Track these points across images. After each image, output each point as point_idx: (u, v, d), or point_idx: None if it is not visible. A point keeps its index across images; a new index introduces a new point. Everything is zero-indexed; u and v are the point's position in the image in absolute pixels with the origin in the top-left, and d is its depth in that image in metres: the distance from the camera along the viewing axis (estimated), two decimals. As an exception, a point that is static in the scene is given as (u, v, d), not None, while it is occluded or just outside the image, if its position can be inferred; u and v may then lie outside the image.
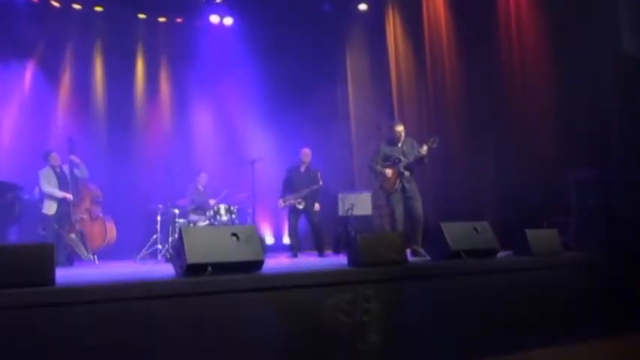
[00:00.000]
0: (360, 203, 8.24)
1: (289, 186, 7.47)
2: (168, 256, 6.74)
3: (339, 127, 10.00)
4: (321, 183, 7.29)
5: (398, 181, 6.06)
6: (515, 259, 4.59)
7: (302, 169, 7.48)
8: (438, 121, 8.00)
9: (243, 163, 7.90)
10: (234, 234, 3.51)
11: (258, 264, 3.56)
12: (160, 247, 7.14)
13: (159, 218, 7.32)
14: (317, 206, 7.27)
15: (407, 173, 6.08)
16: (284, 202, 7.39)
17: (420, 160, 6.06)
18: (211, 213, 7.39)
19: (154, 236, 7.28)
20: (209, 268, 3.32)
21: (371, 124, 9.27)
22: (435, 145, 6.00)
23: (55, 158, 6.96)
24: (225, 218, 7.31)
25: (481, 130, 7.31)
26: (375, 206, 8.32)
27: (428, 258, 4.90)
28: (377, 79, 9.40)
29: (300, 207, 7.25)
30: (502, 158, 6.96)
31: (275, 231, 9.96)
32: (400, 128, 6.21)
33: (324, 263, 5.31)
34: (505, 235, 4.96)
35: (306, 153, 7.50)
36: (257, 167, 7.60)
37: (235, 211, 7.46)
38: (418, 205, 6.03)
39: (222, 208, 7.38)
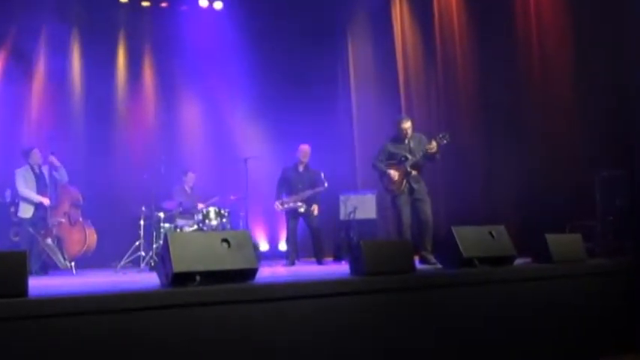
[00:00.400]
0: (363, 206, 8.24)
1: (286, 187, 7.46)
2: (153, 265, 6.72)
3: (340, 122, 10.00)
4: (326, 185, 7.29)
5: (404, 181, 6.06)
6: (535, 267, 4.58)
7: (300, 169, 7.47)
8: (449, 115, 8.00)
9: (234, 162, 7.89)
10: (225, 240, 3.50)
11: (252, 273, 3.55)
12: (143, 254, 7.12)
13: (142, 223, 7.30)
14: (315, 209, 7.26)
15: (414, 173, 6.07)
16: (282, 205, 7.38)
17: (428, 157, 6.05)
18: (200, 217, 7.38)
19: (137, 242, 7.26)
20: (197, 278, 3.31)
21: (375, 118, 9.26)
22: (445, 142, 6.00)
23: (36, 156, 6.96)
24: (215, 222, 7.29)
25: (496, 125, 7.31)
26: (379, 209, 8.31)
27: (438, 266, 4.89)
28: (382, 69, 9.39)
29: (301, 210, 7.25)
30: (520, 156, 6.95)
31: (270, 236, 9.96)
32: (407, 124, 6.20)
33: (324, 272, 5.30)
34: (523, 240, 4.95)
35: (305, 151, 7.48)
36: (250, 166, 7.60)
37: (226, 214, 7.45)
38: (427, 208, 6.03)
39: (212, 211, 7.37)
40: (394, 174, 6.09)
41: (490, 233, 4.51)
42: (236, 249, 3.50)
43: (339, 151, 9.67)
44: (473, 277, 4.08)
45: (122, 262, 7.16)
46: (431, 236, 5.92)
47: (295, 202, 7.28)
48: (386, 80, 9.25)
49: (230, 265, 3.45)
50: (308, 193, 7.27)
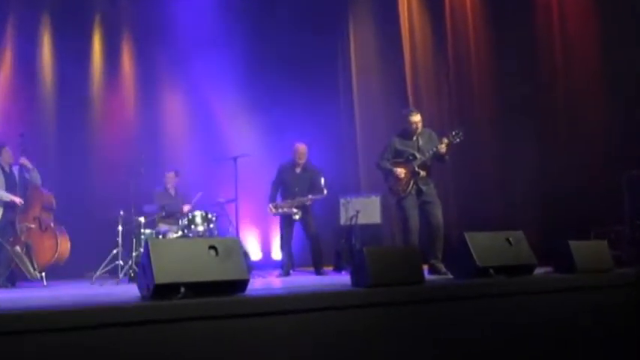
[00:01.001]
0: (366, 209, 8.25)
1: (281, 189, 7.45)
2: (132, 275, 6.73)
3: (341, 116, 10.00)
4: (325, 192, 7.27)
5: (412, 182, 6.06)
6: (556, 277, 4.58)
7: (297, 170, 7.46)
8: (461, 109, 8.01)
9: (223, 161, 7.89)
10: (212, 247, 3.49)
11: (242, 284, 3.54)
12: (121, 263, 7.11)
13: (120, 228, 7.29)
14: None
15: (423, 173, 6.07)
16: (275, 208, 7.37)
17: (439, 156, 6.05)
18: (185, 222, 7.37)
19: (115, 250, 7.25)
20: (182, 290, 3.30)
21: (379, 112, 9.27)
22: (458, 139, 6.01)
23: (7, 155, 6.96)
24: (201, 228, 7.29)
25: (515, 120, 7.32)
26: (384, 213, 8.32)
27: (449, 276, 4.88)
28: (387, 56, 9.40)
29: (296, 218, 7.25)
30: (540, 155, 6.97)
31: (262, 244, 9.97)
32: (416, 118, 6.19)
33: (323, 283, 5.29)
34: (544, 247, 4.95)
35: (301, 151, 7.47)
36: (240, 165, 7.59)
37: (214, 219, 7.44)
38: (437, 211, 6.03)
39: (198, 215, 7.36)
40: (400, 171, 6.08)
41: (507, 240, 4.50)
42: (225, 258, 3.49)
43: (340, 148, 9.67)
44: (488, 289, 4.07)
45: (98, 273, 7.14)
46: (441, 243, 5.92)
47: (290, 207, 7.27)
48: (391, 70, 9.26)
49: (218, 276, 3.45)
50: (304, 200, 7.26)
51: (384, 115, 9.03)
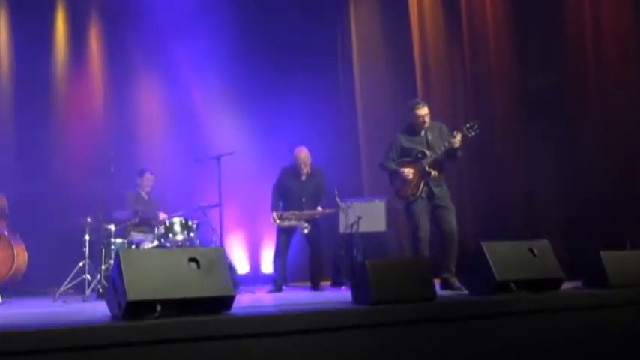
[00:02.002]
0: (369, 215, 8.23)
1: (285, 198, 7.48)
2: (101, 291, 6.70)
3: (341, 111, 10.01)
4: (342, 206, 7.34)
5: (422, 183, 6.07)
6: (587, 292, 4.59)
7: (303, 177, 7.49)
8: (478, 100, 8.02)
9: (205, 161, 7.88)
10: (193, 259, 3.50)
11: (228, 301, 3.55)
12: (89, 277, 7.10)
13: (87, 237, 7.28)
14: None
15: (435, 172, 6.08)
16: (281, 219, 7.37)
17: (451, 153, 6.06)
18: (161, 230, 7.37)
19: (81, 263, 7.24)
20: (158, 308, 3.30)
21: (384, 106, 9.28)
22: (473, 133, 6.01)
23: None
24: (180, 237, 7.29)
25: (538, 113, 7.33)
26: (390, 219, 8.32)
27: (464, 292, 4.90)
28: (393, 42, 9.41)
29: (305, 232, 7.30)
30: (568, 154, 6.97)
31: (251, 255, 9.96)
32: (423, 111, 6.19)
33: (320, 299, 5.30)
34: (572, 259, 4.96)
35: (303, 158, 7.47)
36: (224, 166, 7.59)
37: (195, 227, 7.44)
38: (451, 217, 6.04)
39: (177, 223, 7.36)
40: (408, 172, 6.09)
41: (530, 250, 4.52)
42: (207, 271, 3.50)
43: (339, 146, 9.67)
44: (509, 306, 4.08)
45: (62, 289, 7.13)
46: (455, 254, 5.93)
47: (298, 219, 7.30)
48: (398, 58, 9.27)
49: (200, 292, 3.45)
50: (314, 213, 7.33)
51: (390, 108, 9.03)
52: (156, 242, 7.36)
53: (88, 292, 6.96)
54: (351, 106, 9.90)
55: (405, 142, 6.26)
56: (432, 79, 8.76)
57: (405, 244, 8.24)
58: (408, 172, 6.10)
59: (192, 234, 7.39)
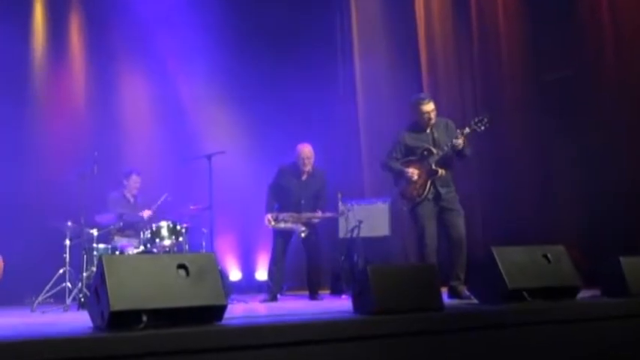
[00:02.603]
0: (371, 219, 8.25)
1: (282, 198, 7.46)
2: (83, 301, 6.70)
3: (340, 107, 10.02)
4: (341, 209, 7.32)
5: (429, 184, 6.07)
6: (605, 301, 4.58)
7: (303, 177, 7.48)
8: (488, 94, 8.03)
9: (194, 160, 7.89)
10: (182, 266, 3.50)
11: (219, 311, 3.55)
12: (69, 286, 7.10)
13: (68, 243, 7.28)
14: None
15: (442, 171, 6.08)
16: (275, 221, 7.35)
17: (458, 151, 6.05)
18: (147, 234, 7.37)
19: (61, 270, 7.24)
20: (144, 318, 3.30)
21: (387, 102, 9.28)
22: (482, 127, 6.01)
23: None
24: (168, 242, 7.29)
25: (553, 108, 7.33)
26: (394, 223, 8.32)
27: (474, 301, 4.90)
28: (396, 33, 9.42)
29: (303, 236, 7.30)
30: (585, 154, 6.97)
31: (243, 261, 9.96)
32: (429, 107, 6.20)
33: (318, 309, 5.29)
34: (590, 265, 4.96)
35: (307, 154, 7.44)
36: (215, 165, 7.59)
37: (183, 231, 7.45)
38: (459, 221, 6.05)
39: (165, 227, 7.36)
40: (413, 172, 6.09)
41: (545, 256, 4.52)
42: (197, 278, 3.50)
43: (339, 144, 9.69)
44: (521, 316, 4.08)
45: (40, 298, 7.13)
46: (464, 260, 5.94)
47: (296, 222, 7.28)
48: (402, 49, 9.28)
49: (189, 301, 3.45)
50: (312, 216, 7.33)
51: (393, 103, 9.03)
52: (142, 248, 7.35)
53: (68, 301, 6.96)
54: (352, 101, 9.91)
55: (409, 139, 6.26)
56: (438, 70, 8.79)
57: (409, 250, 8.25)
58: (413, 171, 6.10)
59: (180, 238, 7.39)
